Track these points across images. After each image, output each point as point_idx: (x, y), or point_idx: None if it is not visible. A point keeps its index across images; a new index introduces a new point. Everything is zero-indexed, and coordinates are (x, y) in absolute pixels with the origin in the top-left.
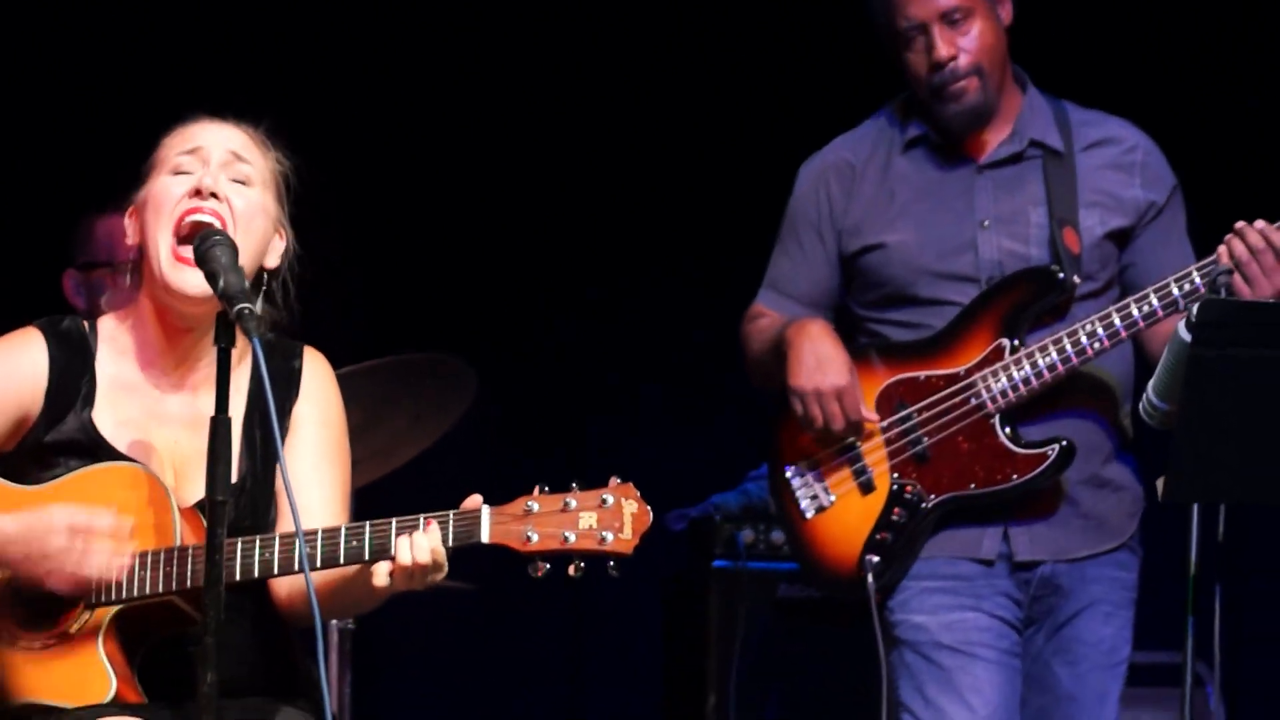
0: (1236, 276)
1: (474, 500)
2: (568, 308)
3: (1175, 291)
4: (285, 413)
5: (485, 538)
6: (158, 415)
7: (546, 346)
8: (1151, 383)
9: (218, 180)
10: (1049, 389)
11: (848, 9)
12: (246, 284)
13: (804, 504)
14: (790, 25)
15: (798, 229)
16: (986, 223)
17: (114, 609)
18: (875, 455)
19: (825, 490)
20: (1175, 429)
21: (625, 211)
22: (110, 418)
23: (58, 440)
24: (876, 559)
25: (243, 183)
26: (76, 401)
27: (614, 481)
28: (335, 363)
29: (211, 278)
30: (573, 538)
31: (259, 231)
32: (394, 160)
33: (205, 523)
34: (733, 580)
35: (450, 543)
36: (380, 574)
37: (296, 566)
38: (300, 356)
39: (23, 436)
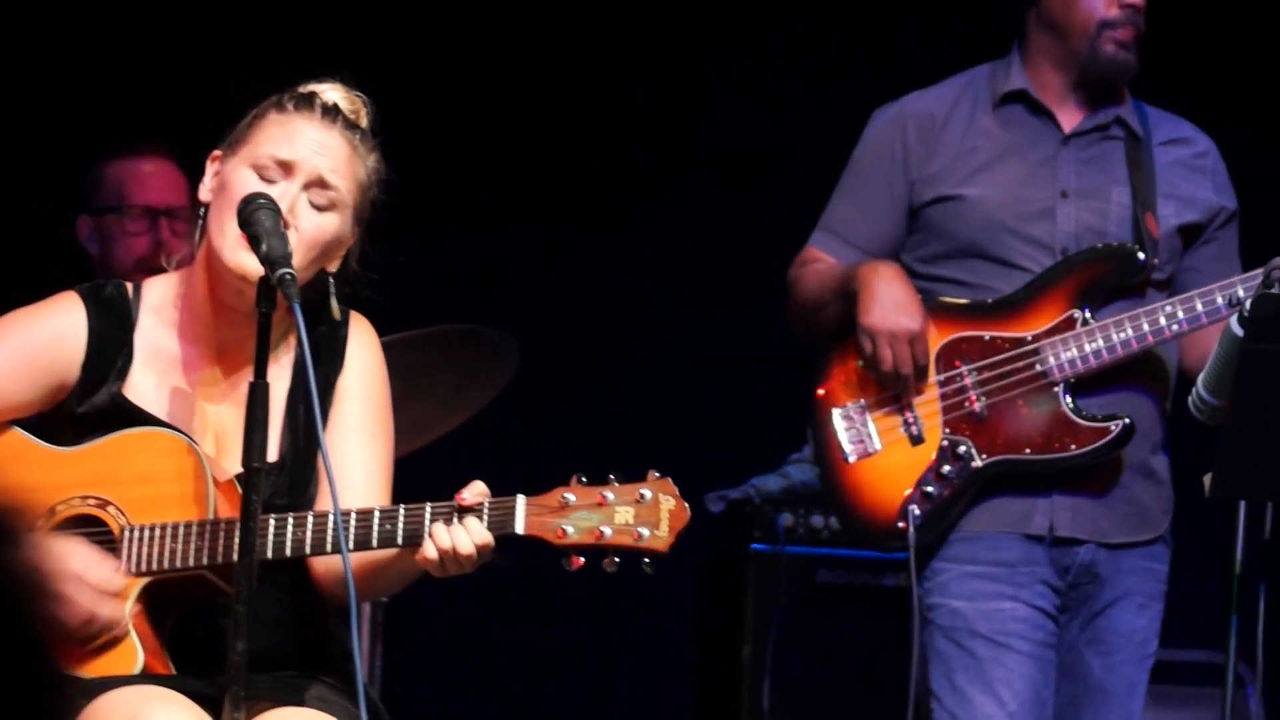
0: None
1: (477, 487)
2: (611, 283)
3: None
4: (329, 385)
5: (520, 529)
6: (199, 387)
7: (588, 321)
8: (1201, 377)
9: (295, 205)
10: (1115, 367)
11: None
12: (290, 249)
13: (848, 447)
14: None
15: (865, 174)
16: (1067, 193)
17: (143, 580)
18: (928, 409)
19: (872, 435)
20: (1225, 424)
21: (671, 188)
22: (148, 386)
23: (88, 412)
24: (919, 511)
25: (322, 208)
26: (110, 375)
27: (652, 475)
28: (381, 330)
29: (254, 241)
30: (609, 533)
31: (317, 255)
32: (440, 123)
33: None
34: (771, 564)
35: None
36: (414, 559)
37: (329, 547)
38: (346, 325)
39: (58, 404)
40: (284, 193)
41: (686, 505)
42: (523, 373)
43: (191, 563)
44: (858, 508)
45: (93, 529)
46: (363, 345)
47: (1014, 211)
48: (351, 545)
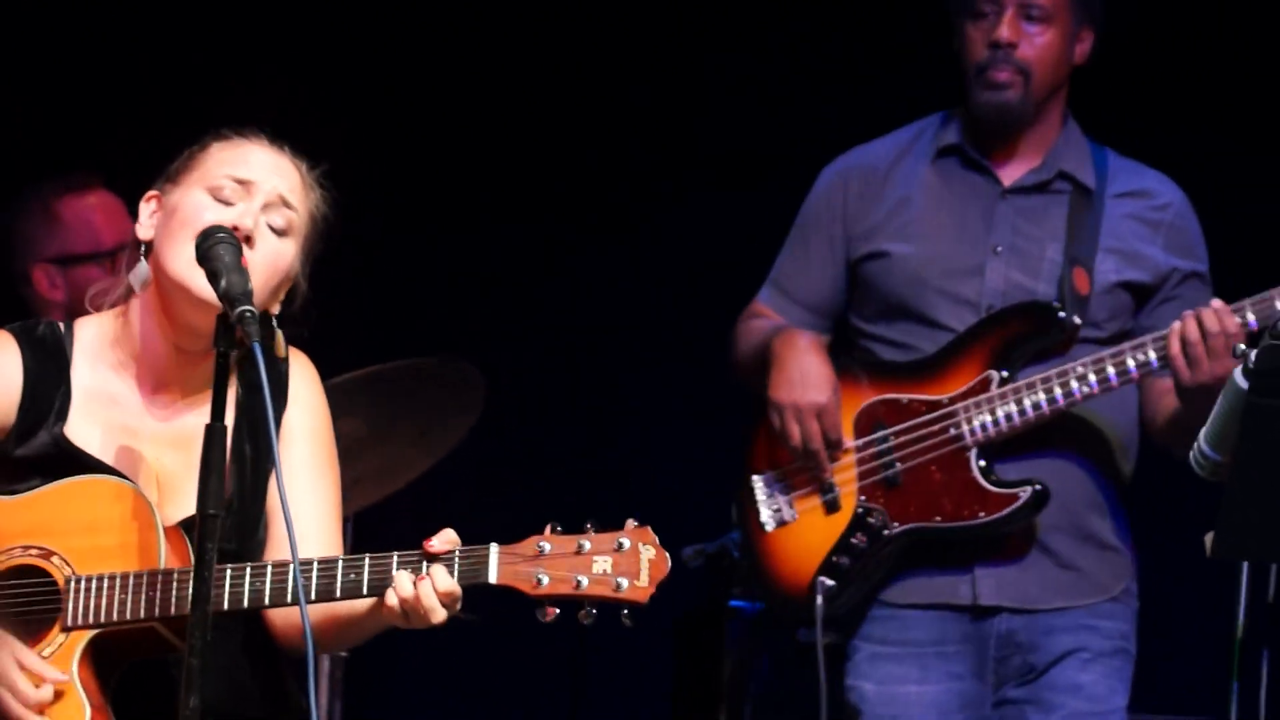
0: (1177, 357)
1: (447, 535)
2: (586, 322)
3: (1176, 347)
4: (276, 424)
5: (493, 578)
6: (139, 429)
7: (562, 360)
8: (1204, 431)
9: (258, 224)
10: (1034, 430)
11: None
12: (250, 286)
13: (765, 515)
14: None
15: (808, 230)
16: (999, 249)
17: (89, 634)
18: (845, 475)
19: (789, 504)
20: (1228, 481)
21: (670, 194)
22: (88, 430)
23: (28, 456)
24: (830, 582)
25: (281, 232)
26: (50, 415)
27: (631, 524)
28: (328, 370)
29: (213, 277)
30: (585, 583)
31: (274, 284)
32: (394, 144)
33: (189, 542)
34: (750, 621)
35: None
36: (379, 610)
37: (289, 599)
38: (286, 361)
39: None
40: (244, 213)
41: (667, 555)
42: (492, 412)
43: (143, 614)
44: (772, 579)
45: (36, 580)
46: (305, 382)
47: (940, 269)
48: (314, 596)
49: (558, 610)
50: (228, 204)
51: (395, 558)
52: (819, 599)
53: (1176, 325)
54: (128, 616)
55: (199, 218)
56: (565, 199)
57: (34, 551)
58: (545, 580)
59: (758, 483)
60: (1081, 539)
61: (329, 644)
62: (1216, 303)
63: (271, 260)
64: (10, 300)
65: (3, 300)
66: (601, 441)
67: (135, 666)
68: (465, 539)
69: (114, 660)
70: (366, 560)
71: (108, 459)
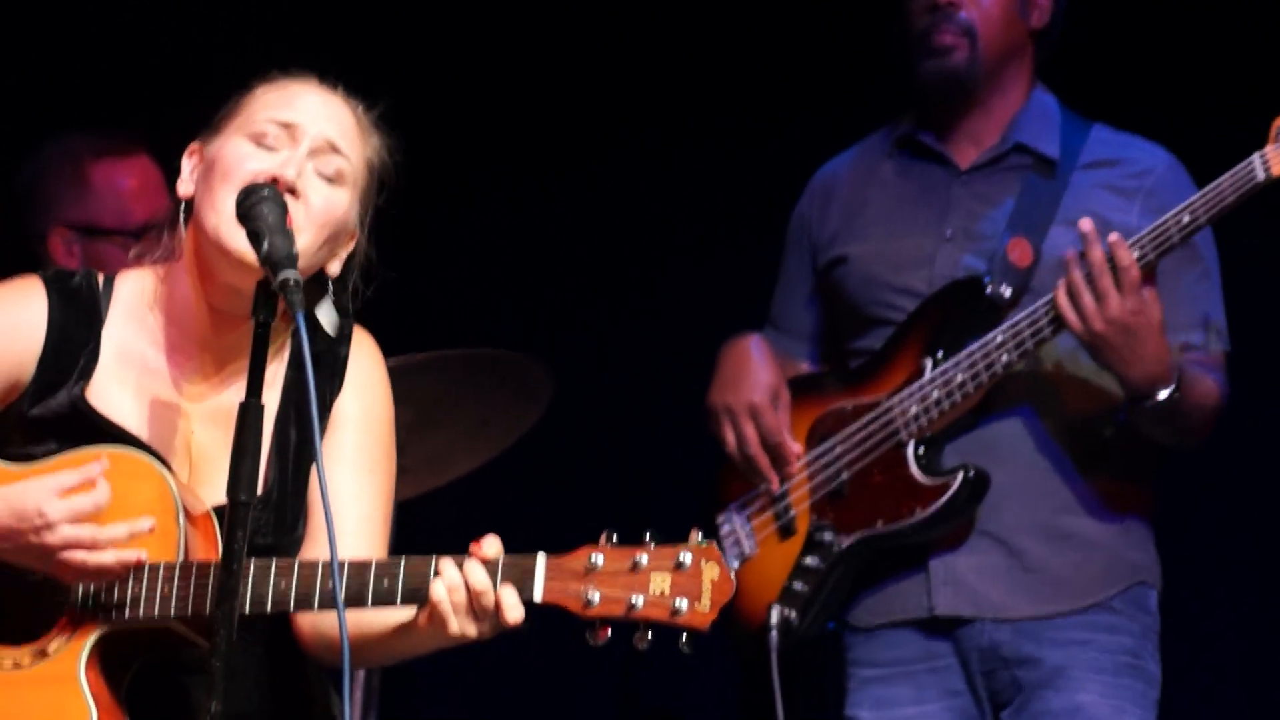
0: (1065, 308)
1: (491, 543)
2: (662, 325)
3: (1062, 299)
4: (325, 408)
5: (538, 595)
6: (174, 400)
7: (634, 353)
8: None
9: (303, 172)
10: (982, 411)
11: None
12: (295, 249)
13: (729, 555)
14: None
15: (787, 254)
16: (950, 234)
17: (99, 630)
18: (798, 494)
19: (750, 535)
20: None
21: (735, 213)
22: (115, 393)
23: (43, 417)
24: (787, 612)
25: (331, 179)
26: (71, 375)
27: (695, 537)
28: (387, 351)
29: (254, 238)
30: (640, 604)
31: (327, 238)
32: (473, 118)
33: (219, 532)
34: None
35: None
36: (416, 624)
37: (316, 603)
38: (349, 341)
39: (8, 405)
40: (287, 161)
41: (733, 576)
42: (556, 409)
43: (157, 612)
44: (734, 616)
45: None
46: (365, 365)
47: (890, 264)
48: (342, 602)
49: (610, 632)
50: (271, 151)
51: (435, 561)
52: (773, 632)
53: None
54: (141, 614)
55: (239, 168)
56: (649, 199)
57: None
58: (596, 599)
59: (721, 519)
60: (1052, 538)
61: (363, 658)
62: (1113, 236)
63: (321, 212)
64: (25, 259)
65: (18, 258)
66: (670, 449)
67: (146, 670)
68: (513, 544)
69: (125, 659)
70: (402, 564)
71: (135, 429)
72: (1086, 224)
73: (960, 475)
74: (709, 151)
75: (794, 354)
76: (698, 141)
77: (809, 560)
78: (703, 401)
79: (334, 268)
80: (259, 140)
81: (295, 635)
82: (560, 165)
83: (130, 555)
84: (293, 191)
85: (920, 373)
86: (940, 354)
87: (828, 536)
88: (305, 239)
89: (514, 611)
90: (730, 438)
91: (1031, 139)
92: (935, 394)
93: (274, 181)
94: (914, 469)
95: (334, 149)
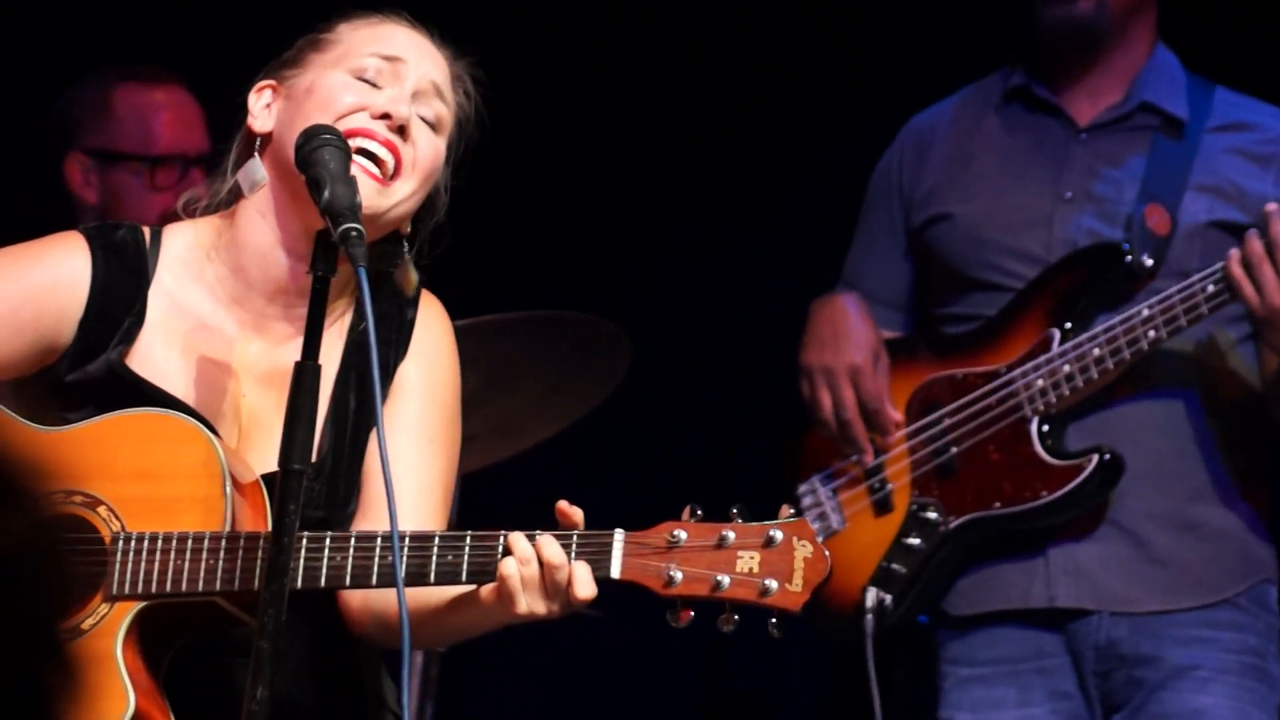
0: (1240, 280)
1: (573, 513)
2: (745, 293)
3: (1236, 270)
4: (388, 374)
5: (615, 572)
6: (227, 360)
7: (718, 316)
8: None
9: (412, 113)
10: (1113, 390)
11: None
12: (358, 199)
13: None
14: None
15: (870, 210)
16: (1069, 195)
17: (137, 605)
18: (897, 467)
19: (837, 509)
20: None
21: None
22: (160, 355)
23: (81, 382)
24: (883, 595)
25: (433, 125)
26: (113, 338)
27: (785, 512)
28: (453, 312)
29: (314, 185)
30: (727, 583)
31: (425, 190)
32: (556, 73)
33: (269, 502)
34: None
35: None
36: (479, 599)
37: (375, 579)
38: (416, 304)
39: (44, 369)
40: (396, 98)
41: (827, 554)
42: (634, 376)
43: (201, 586)
44: (822, 600)
45: (79, 534)
46: (433, 330)
47: (1002, 223)
48: (401, 579)
49: (693, 613)
50: (374, 86)
51: (503, 538)
52: (868, 616)
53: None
54: (184, 587)
55: (338, 100)
56: (736, 165)
57: (78, 499)
58: (678, 577)
59: (803, 489)
60: (1181, 528)
61: (419, 638)
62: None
63: (428, 159)
64: (53, 198)
65: (45, 198)
66: (752, 422)
67: (188, 649)
68: (586, 520)
69: (166, 637)
70: (468, 540)
71: (181, 391)
72: (1273, 206)
73: (1095, 458)
74: (800, 122)
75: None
76: (789, 113)
77: (910, 540)
78: (784, 368)
79: (406, 228)
80: (360, 74)
81: (343, 612)
82: (646, 120)
83: None
84: (402, 132)
85: (1046, 344)
86: (1069, 325)
87: (933, 515)
88: (410, 185)
89: (586, 587)
90: (826, 401)
91: (1158, 98)
92: (1066, 368)
93: (385, 117)
94: (1039, 448)
95: (438, 92)
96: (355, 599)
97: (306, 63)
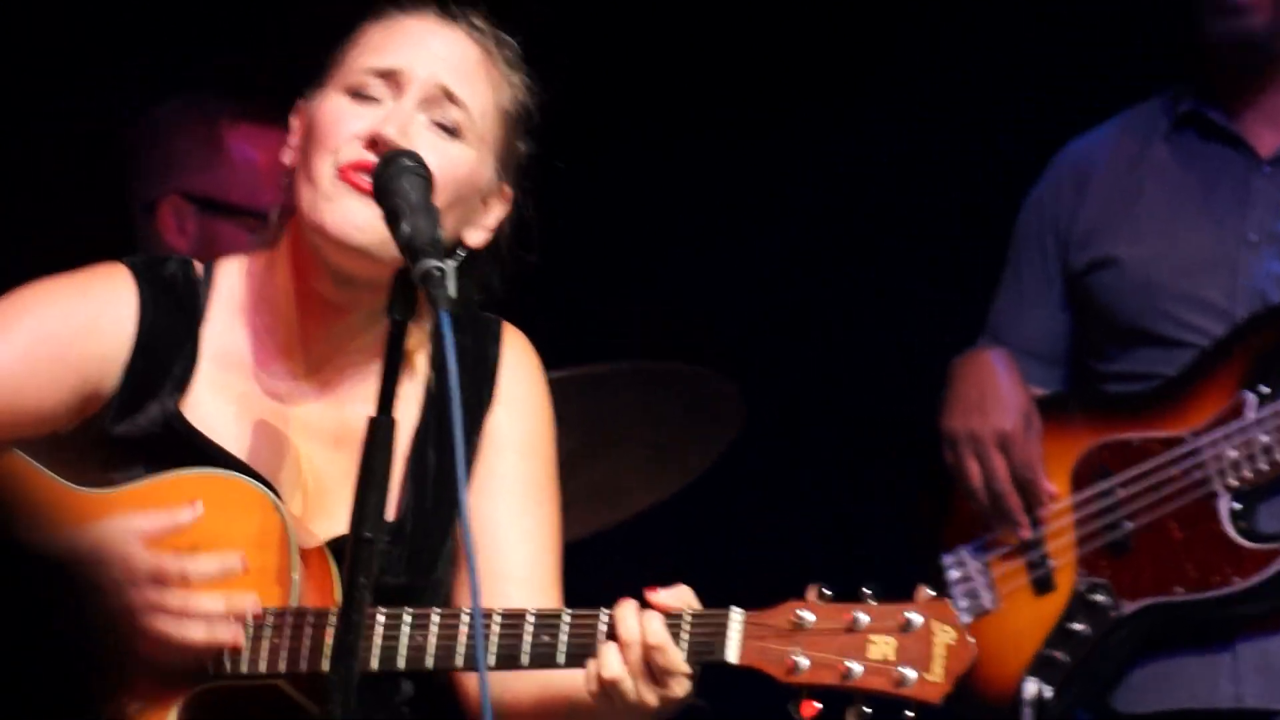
0: None
1: (679, 592)
2: (870, 338)
3: None
4: (476, 424)
5: (733, 656)
6: (287, 415)
7: (834, 373)
8: None
9: (408, 127)
10: None
11: None
12: (440, 232)
13: (959, 604)
14: None
15: (1019, 250)
16: (1254, 238)
17: (190, 690)
18: (1060, 541)
19: (989, 587)
20: None
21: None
22: (217, 409)
23: (130, 436)
24: (1043, 686)
25: (449, 131)
26: (164, 385)
27: (923, 594)
28: (546, 361)
29: (391, 217)
30: (859, 671)
31: (453, 203)
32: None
33: (337, 573)
34: None
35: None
36: (581, 686)
37: (460, 660)
38: (498, 340)
39: (87, 421)
40: (388, 116)
41: (972, 641)
42: (749, 435)
43: (263, 667)
44: (970, 683)
45: None
46: (522, 372)
47: (1177, 269)
48: (492, 662)
49: (820, 706)
50: (373, 104)
51: (604, 615)
52: (1025, 710)
53: None
54: (243, 669)
55: (336, 131)
56: (846, 197)
57: None
58: (804, 664)
59: (948, 562)
60: None
61: None
62: None
63: (449, 169)
64: (118, 231)
65: (109, 230)
66: (883, 486)
67: None
68: (699, 598)
69: None
70: (566, 618)
71: (238, 450)
72: None
73: None
74: (920, 159)
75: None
76: (911, 151)
77: (1075, 625)
78: (915, 428)
79: (474, 237)
80: (357, 92)
81: (459, 699)
82: (770, 156)
83: (225, 632)
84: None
85: (1239, 410)
86: (1266, 389)
87: (1102, 598)
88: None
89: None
90: (975, 471)
91: None
92: (1264, 439)
93: (372, 143)
94: (1229, 528)
95: (449, 97)
96: (471, 684)
97: (327, 79)
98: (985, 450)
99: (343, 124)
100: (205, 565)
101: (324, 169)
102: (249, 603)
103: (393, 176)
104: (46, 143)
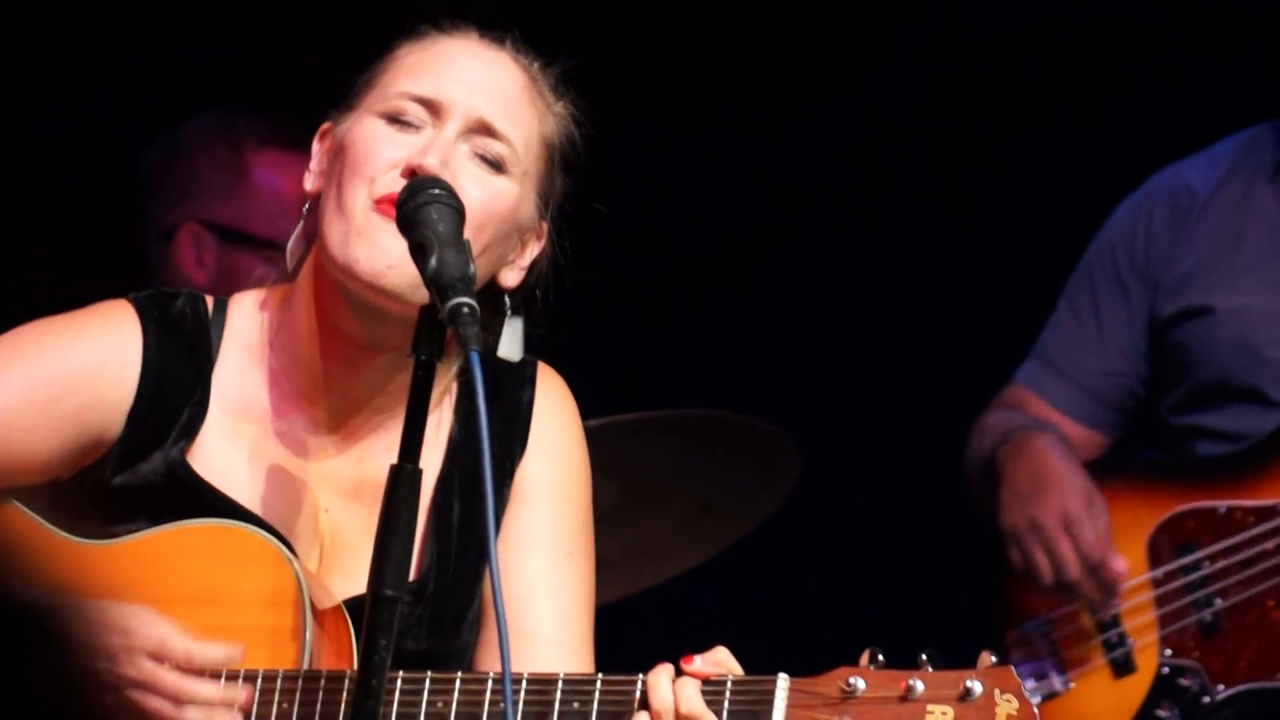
0: None
1: (718, 656)
2: (924, 388)
3: None
4: (505, 475)
5: None
6: (303, 464)
7: (893, 427)
8: None
9: (449, 160)
10: None
11: None
12: (472, 269)
13: (1026, 685)
14: None
15: (1094, 278)
16: None
17: None
18: (1139, 620)
19: (1058, 667)
20: None
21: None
22: (228, 457)
23: (132, 487)
24: None
25: (493, 165)
26: (170, 433)
27: (986, 660)
28: (582, 408)
29: (418, 251)
30: None
31: (490, 241)
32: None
33: (354, 633)
34: None
35: None
36: None
37: None
38: (533, 382)
39: (85, 470)
40: (431, 144)
41: (1035, 709)
42: (801, 490)
43: None
44: None
45: None
46: (557, 418)
47: (1276, 323)
48: None
49: None
50: (412, 130)
51: (642, 681)
52: None
53: None
54: None
55: (372, 160)
56: (915, 246)
57: None
58: None
59: (1014, 638)
60: None
61: None
62: None
63: (480, 209)
64: (128, 259)
65: (118, 258)
66: (945, 548)
67: None
68: (745, 664)
69: None
70: (598, 684)
71: (250, 501)
72: None
73: None
74: (984, 205)
75: (1069, 408)
76: (977, 198)
77: (1161, 712)
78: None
79: (509, 277)
80: (394, 117)
81: None
82: (823, 201)
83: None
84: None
85: None
86: None
87: (1191, 683)
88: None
89: None
90: (1044, 563)
91: None
92: None
93: (411, 174)
94: None
95: (490, 132)
96: None
97: (358, 101)
98: (1050, 536)
99: (380, 152)
100: (211, 653)
101: (357, 199)
102: (245, 695)
103: (419, 206)
104: (54, 159)
